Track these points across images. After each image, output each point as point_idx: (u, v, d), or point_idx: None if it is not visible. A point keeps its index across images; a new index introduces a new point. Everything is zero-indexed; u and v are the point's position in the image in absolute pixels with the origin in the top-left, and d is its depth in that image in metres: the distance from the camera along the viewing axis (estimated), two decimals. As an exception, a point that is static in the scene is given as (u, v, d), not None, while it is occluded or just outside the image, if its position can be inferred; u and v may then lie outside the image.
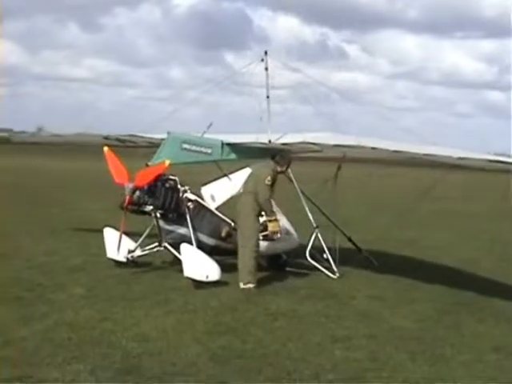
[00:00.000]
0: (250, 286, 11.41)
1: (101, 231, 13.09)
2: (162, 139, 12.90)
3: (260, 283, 11.73)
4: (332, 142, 11.96)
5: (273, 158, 12.06)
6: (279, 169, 12.05)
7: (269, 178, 11.71)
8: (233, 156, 12.55)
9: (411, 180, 45.31)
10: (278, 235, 12.27)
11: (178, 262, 11.93)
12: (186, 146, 12.56)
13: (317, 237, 13.02)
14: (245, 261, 11.53)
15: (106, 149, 12.63)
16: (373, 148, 11.42)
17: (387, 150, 11.28)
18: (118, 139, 14.65)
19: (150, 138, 14.32)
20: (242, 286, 11.39)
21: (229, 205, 12.99)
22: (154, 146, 13.51)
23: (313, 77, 14.00)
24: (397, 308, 10.74)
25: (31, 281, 11.12)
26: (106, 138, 14.70)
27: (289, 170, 12.80)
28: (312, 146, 12.17)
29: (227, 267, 11.87)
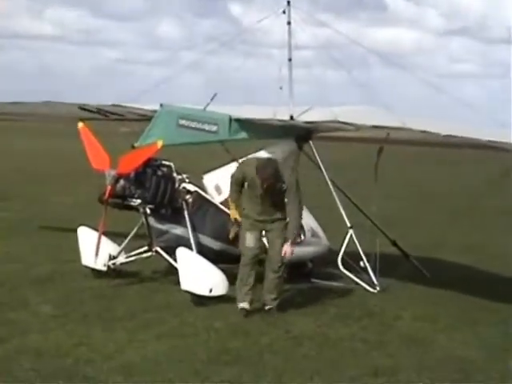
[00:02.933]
0: (240, 305, 11.02)
1: (74, 231, 13.10)
2: (154, 111, 12.88)
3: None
4: (371, 123, 11.99)
5: None
6: None
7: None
8: (243, 135, 12.50)
9: (475, 168, 45.14)
10: (302, 237, 12.23)
11: (173, 272, 11.95)
12: (183, 122, 12.55)
13: (351, 240, 13.02)
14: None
15: (80, 125, 12.58)
16: (422, 131, 11.55)
17: (438, 135, 11.42)
18: (98, 110, 14.63)
19: (139, 109, 14.31)
20: None
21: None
22: (145, 119, 13.49)
23: (345, 34, 13.99)
24: (454, 332, 10.73)
25: (-16, 295, 11.14)
26: (83, 108, 14.64)
27: (314, 151, 12.80)
28: (345, 125, 12.19)
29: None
